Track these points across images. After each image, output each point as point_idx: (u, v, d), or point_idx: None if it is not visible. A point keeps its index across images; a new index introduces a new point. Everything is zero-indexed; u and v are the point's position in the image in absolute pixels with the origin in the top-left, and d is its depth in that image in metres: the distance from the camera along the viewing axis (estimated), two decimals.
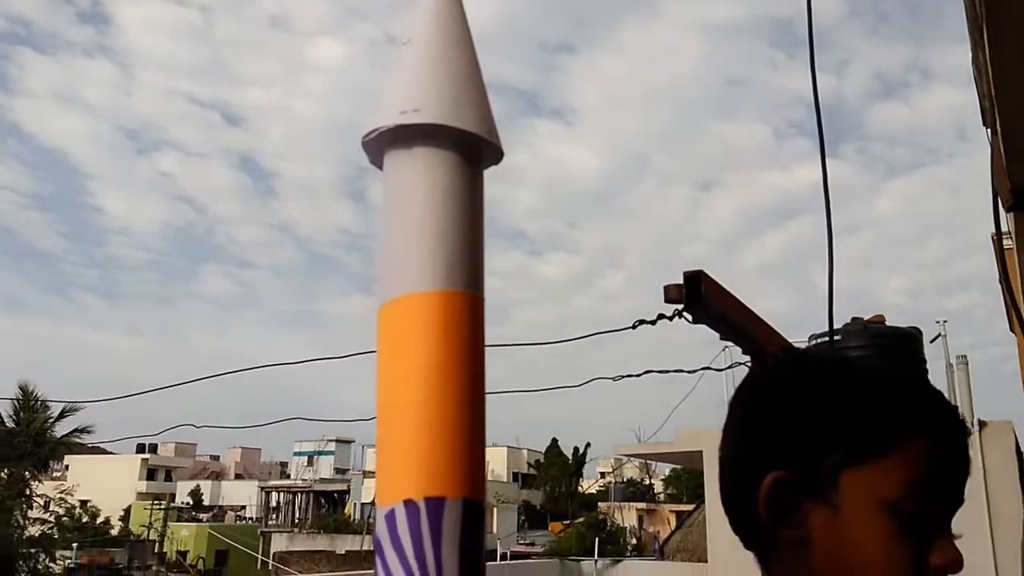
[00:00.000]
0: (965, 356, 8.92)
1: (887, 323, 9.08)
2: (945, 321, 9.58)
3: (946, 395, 0.88)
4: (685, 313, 1.59)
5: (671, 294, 1.58)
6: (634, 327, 1.78)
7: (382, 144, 0.57)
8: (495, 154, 0.60)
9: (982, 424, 7.47)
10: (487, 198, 0.60)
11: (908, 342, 8.58)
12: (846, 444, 0.81)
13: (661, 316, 1.67)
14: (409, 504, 0.51)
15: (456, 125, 0.56)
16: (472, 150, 0.58)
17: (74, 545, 24.54)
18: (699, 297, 1.54)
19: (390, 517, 0.52)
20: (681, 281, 1.56)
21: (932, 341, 9.27)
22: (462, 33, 0.59)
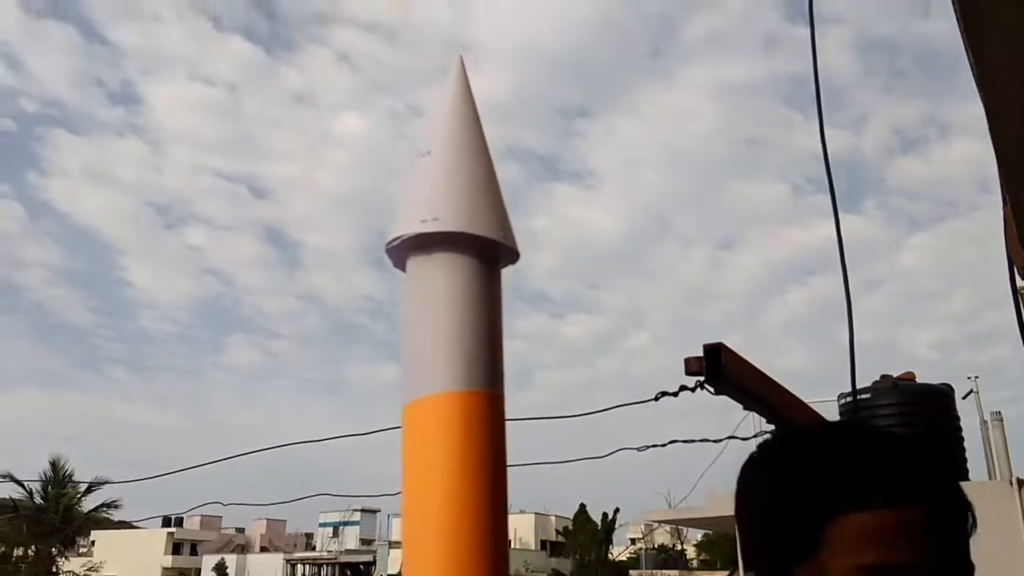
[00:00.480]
0: (999, 412, 8.74)
1: (917, 379, 8.95)
2: (977, 377, 9.39)
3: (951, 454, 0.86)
4: (707, 386, 1.61)
5: (692, 367, 1.59)
6: (656, 399, 1.79)
7: (404, 250, 0.61)
8: (511, 255, 0.63)
9: (1021, 482, 7.29)
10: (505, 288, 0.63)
11: (939, 399, 8.46)
12: (785, 541, 0.82)
13: (683, 388, 1.68)
14: None
15: (474, 232, 0.59)
16: (489, 253, 0.61)
17: None
18: (719, 369, 1.56)
19: None
20: (701, 353, 1.59)
21: (964, 397, 9.09)
22: (478, 142, 0.63)
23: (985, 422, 8.90)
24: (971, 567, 0.83)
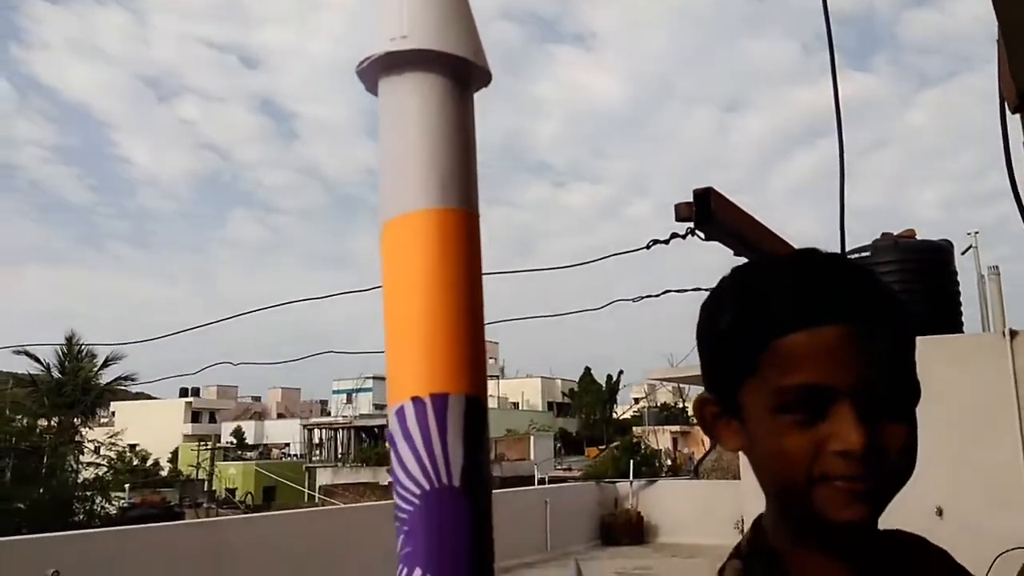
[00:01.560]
0: (997, 267, 8.83)
1: (918, 237, 8.97)
2: (976, 232, 9.43)
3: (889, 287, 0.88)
4: (697, 231, 1.62)
5: (681, 212, 1.59)
6: (648, 247, 1.80)
7: (375, 72, 0.61)
8: (484, 76, 0.63)
9: (1013, 333, 7.44)
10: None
11: (937, 255, 8.51)
12: (730, 363, 0.86)
13: (674, 235, 1.69)
14: (416, 401, 0.56)
15: (444, 49, 0.59)
16: (461, 73, 0.61)
17: (126, 486, 25.42)
18: (709, 213, 1.56)
19: (400, 413, 0.57)
20: (691, 199, 1.59)
21: (963, 253, 9.15)
22: None
23: (983, 277, 8.99)
24: (911, 384, 0.86)
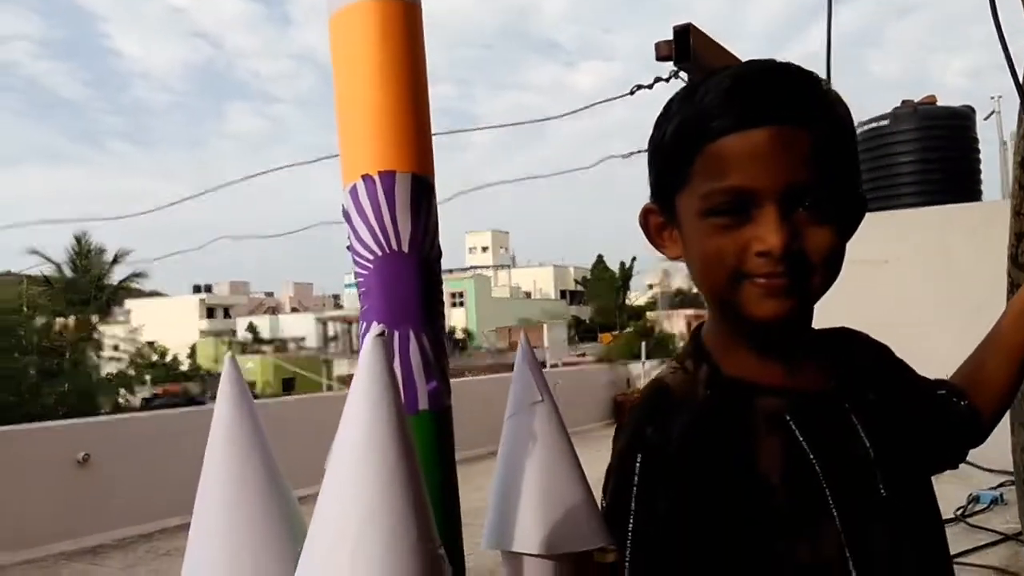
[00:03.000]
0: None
1: (939, 103, 8.77)
2: (1000, 97, 9.18)
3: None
4: (681, 73, 1.62)
5: (661, 51, 1.58)
6: (632, 93, 1.81)
7: None
8: None
9: None
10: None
11: (958, 121, 8.34)
12: (667, 173, 0.90)
13: (657, 79, 1.70)
14: (367, 178, 0.62)
15: None
16: None
17: (148, 378, 26.12)
18: (689, 51, 1.55)
19: (353, 191, 0.62)
20: (672, 37, 1.57)
21: (986, 119, 8.96)
22: None
23: (1004, 143, 8.82)
24: (847, 191, 0.90)
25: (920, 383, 1.08)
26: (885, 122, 7.85)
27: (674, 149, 0.88)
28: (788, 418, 0.89)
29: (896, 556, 0.88)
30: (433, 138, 0.66)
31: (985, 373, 1.10)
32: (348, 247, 0.64)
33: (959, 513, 4.60)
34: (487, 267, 68.21)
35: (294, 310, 63.62)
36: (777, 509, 0.86)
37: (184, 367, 36.61)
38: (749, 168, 0.82)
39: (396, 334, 0.60)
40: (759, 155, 0.82)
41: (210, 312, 57.49)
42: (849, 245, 0.93)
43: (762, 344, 0.92)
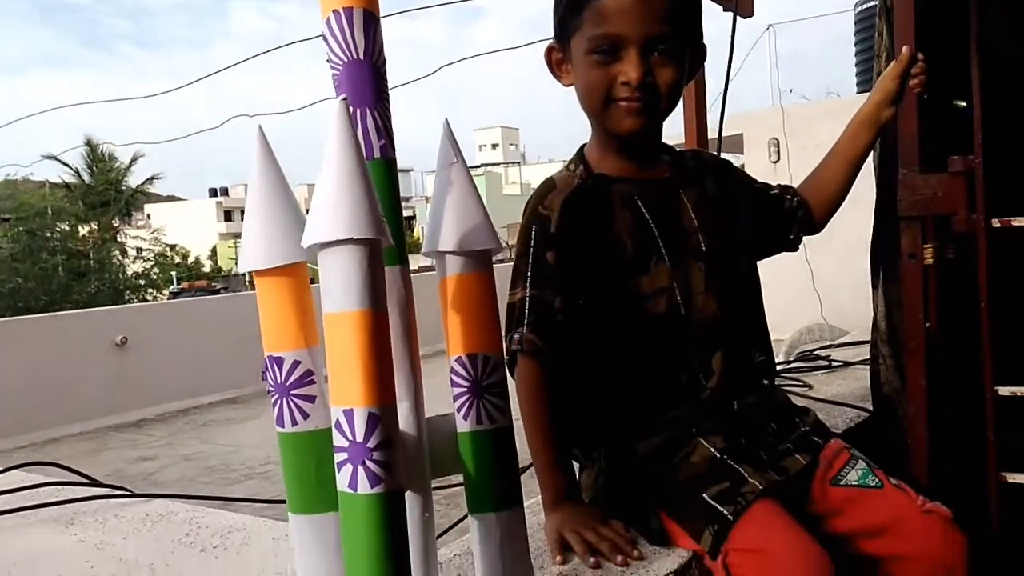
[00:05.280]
0: None
1: None
2: None
3: None
4: None
5: None
6: None
7: None
8: None
9: None
10: None
11: None
12: (564, 19, 1.27)
13: None
14: (336, 12, 0.98)
15: None
16: None
17: (173, 273, 26.86)
18: None
19: (327, 22, 1.00)
20: None
21: None
22: None
23: None
24: (691, 41, 1.28)
25: (755, 184, 1.49)
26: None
27: (570, 4, 1.27)
28: (636, 198, 1.31)
29: (710, 287, 1.30)
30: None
31: (821, 176, 1.50)
32: (327, 59, 1.01)
33: None
34: (497, 164, 67.91)
35: (307, 211, 63.90)
36: (627, 257, 1.28)
37: (206, 268, 37.42)
38: (621, 21, 1.22)
39: (357, 110, 0.98)
40: (628, 11, 1.22)
41: (228, 215, 58.09)
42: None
43: (623, 149, 1.32)
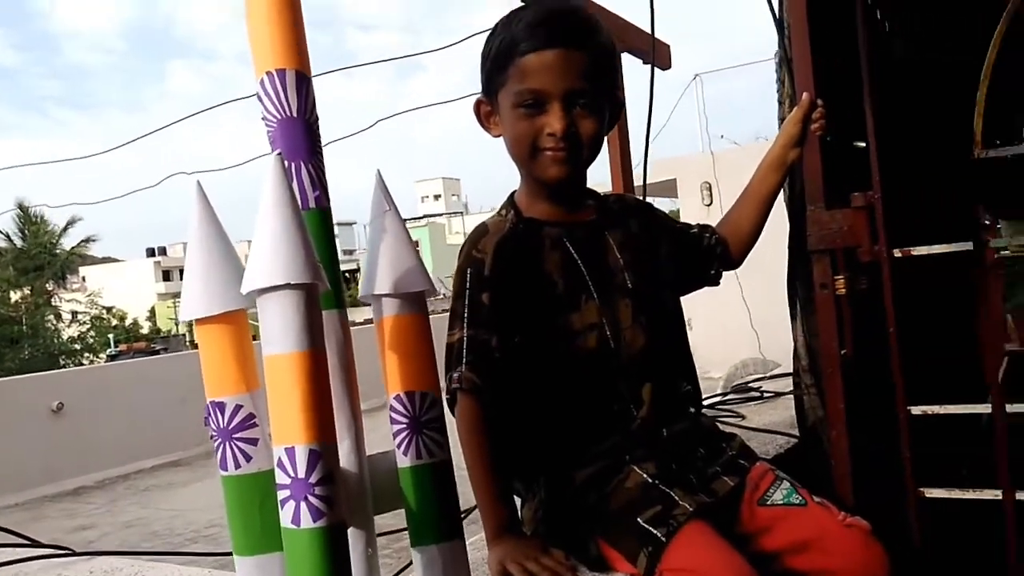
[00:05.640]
0: None
1: None
2: None
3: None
4: None
5: None
6: None
7: None
8: None
9: None
10: None
11: None
12: (492, 75, 1.35)
13: None
14: (269, 73, 1.04)
15: None
16: None
17: (110, 336, 26.21)
18: None
19: (262, 82, 1.05)
20: None
21: None
22: None
23: None
24: (609, 94, 1.37)
25: (676, 225, 1.58)
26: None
27: (497, 60, 1.35)
28: (565, 240, 1.38)
29: (637, 321, 1.37)
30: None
31: (735, 216, 1.59)
32: (262, 117, 1.07)
33: None
34: (440, 215, 68.20)
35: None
36: (558, 295, 1.35)
37: (144, 330, 36.58)
38: (544, 77, 1.30)
39: (292, 164, 1.03)
40: (550, 68, 1.30)
41: (166, 275, 57.03)
42: None
43: (550, 195, 1.40)
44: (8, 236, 28.13)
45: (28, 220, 28.00)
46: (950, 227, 1.52)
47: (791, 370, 1.92)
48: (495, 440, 1.29)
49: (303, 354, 0.90)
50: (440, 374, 1.16)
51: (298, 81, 1.06)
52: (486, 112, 1.42)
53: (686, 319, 1.52)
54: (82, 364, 20.68)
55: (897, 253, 1.52)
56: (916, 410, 1.54)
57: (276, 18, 1.05)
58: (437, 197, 73.66)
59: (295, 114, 1.05)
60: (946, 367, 1.65)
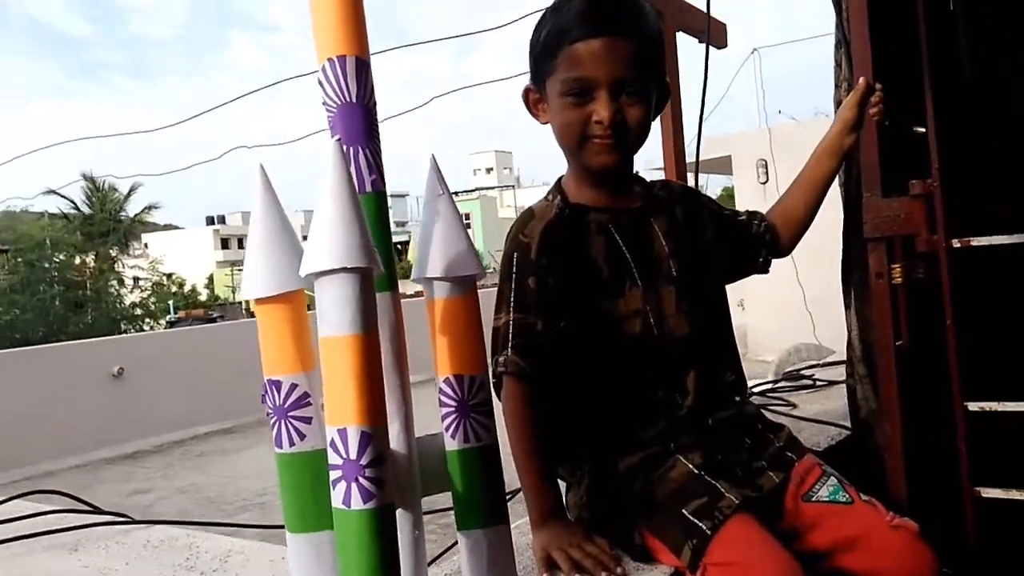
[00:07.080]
0: None
1: None
2: None
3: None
4: None
5: None
6: None
7: None
8: None
9: None
10: None
11: None
12: (541, 61, 1.34)
13: None
14: (330, 60, 1.06)
15: None
16: None
17: (170, 302, 26.84)
18: None
19: (323, 69, 1.06)
20: None
21: None
22: None
23: None
24: (656, 81, 1.35)
25: (723, 211, 1.56)
26: None
27: (545, 49, 1.34)
28: (611, 227, 1.38)
29: (681, 309, 1.37)
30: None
31: (787, 201, 1.57)
32: (323, 103, 1.08)
33: None
34: (492, 188, 68.19)
35: (305, 238, 63.97)
36: (603, 281, 1.35)
37: (203, 297, 37.40)
38: (591, 65, 1.30)
39: (350, 148, 1.05)
40: (598, 57, 1.30)
41: (224, 243, 58.16)
42: None
43: (597, 182, 1.39)
44: (75, 204, 28.98)
45: (96, 189, 28.77)
46: (1013, 217, 1.47)
47: (845, 358, 1.89)
48: (541, 425, 1.30)
49: (358, 337, 0.92)
50: (488, 358, 1.17)
51: (358, 67, 1.07)
52: (534, 99, 1.42)
53: (738, 300, 1.51)
54: (143, 330, 21.25)
55: (956, 243, 1.48)
56: (973, 406, 1.50)
57: (338, 5, 1.06)
58: (489, 170, 73.66)
59: (354, 100, 1.06)
60: (1007, 362, 1.61)
